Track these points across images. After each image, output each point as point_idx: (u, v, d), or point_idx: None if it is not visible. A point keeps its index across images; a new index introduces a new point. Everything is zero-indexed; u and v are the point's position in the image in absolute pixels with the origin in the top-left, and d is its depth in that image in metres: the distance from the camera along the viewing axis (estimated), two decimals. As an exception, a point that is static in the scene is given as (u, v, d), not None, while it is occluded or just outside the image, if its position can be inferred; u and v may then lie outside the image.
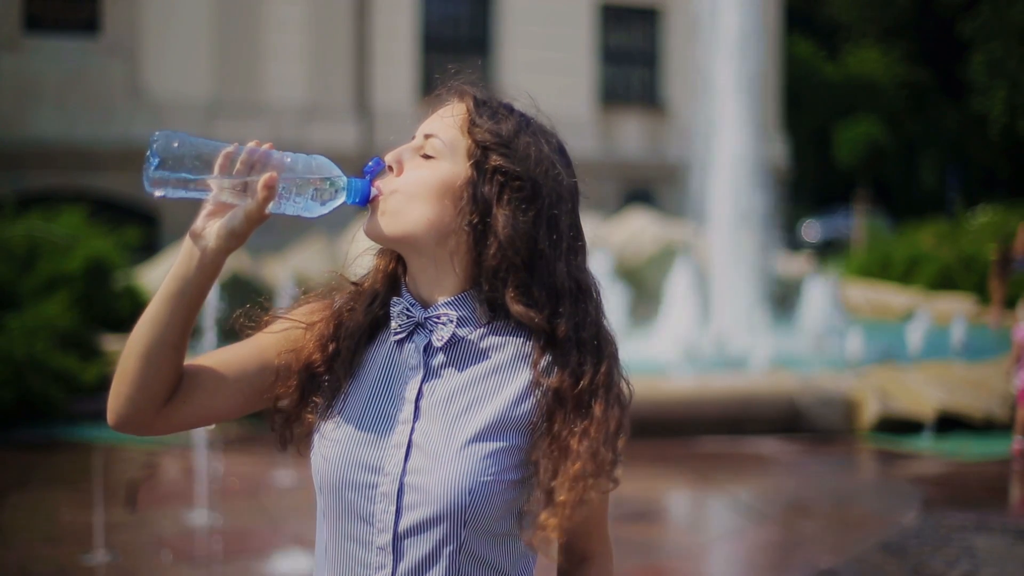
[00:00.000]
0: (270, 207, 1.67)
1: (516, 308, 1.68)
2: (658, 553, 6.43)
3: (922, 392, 9.55)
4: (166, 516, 6.94)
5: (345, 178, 1.71)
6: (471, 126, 1.72)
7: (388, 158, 1.73)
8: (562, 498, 1.63)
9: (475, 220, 1.68)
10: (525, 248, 1.68)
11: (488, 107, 1.74)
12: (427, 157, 1.72)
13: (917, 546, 6.35)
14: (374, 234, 1.73)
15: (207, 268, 1.67)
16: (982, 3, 32.44)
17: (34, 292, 10.19)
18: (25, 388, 9.05)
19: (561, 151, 1.77)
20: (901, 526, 6.81)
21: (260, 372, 1.77)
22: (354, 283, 1.85)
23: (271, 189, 1.64)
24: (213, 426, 6.90)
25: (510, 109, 1.77)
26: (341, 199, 1.71)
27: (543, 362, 1.68)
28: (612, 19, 22.94)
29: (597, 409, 1.66)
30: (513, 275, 1.68)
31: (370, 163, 1.72)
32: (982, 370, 10.43)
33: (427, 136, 1.73)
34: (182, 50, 19.15)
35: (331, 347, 1.78)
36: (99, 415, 8.53)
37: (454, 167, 1.70)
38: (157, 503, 7.34)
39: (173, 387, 1.70)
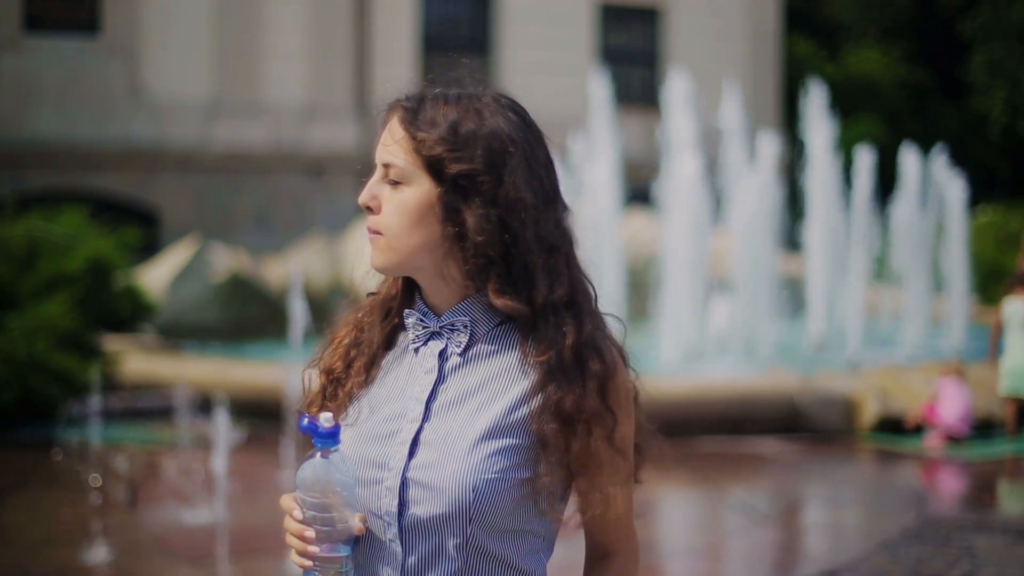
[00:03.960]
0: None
1: (499, 302, 1.71)
2: (658, 553, 6.43)
3: (922, 392, 9.55)
4: (166, 516, 6.94)
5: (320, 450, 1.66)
6: (415, 143, 1.72)
7: (364, 198, 1.76)
8: (587, 473, 1.69)
9: (453, 229, 1.71)
10: (499, 241, 1.70)
11: (420, 115, 1.73)
12: (396, 184, 1.74)
13: (917, 546, 6.35)
14: (381, 269, 1.78)
15: None
16: (982, 3, 32.41)
17: (34, 292, 10.19)
18: (26, 388, 9.05)
19: (513, 109, 1.77)
20: (901, 526, 6.81)
21: None
22: (371, 293, 1.89)
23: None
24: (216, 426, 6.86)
25: (445, 99, 1.75)
26: (335, 447, 1.67)
27: (529, 343, 1.71)
28: (612, 19, 22.93)
29: (592, 366, 1.69)
30: (493, 270, 1.70)
31: (304, 423, 1.66)
32: (981, 370, 10.43)
33: (386, 166, 1.75)
34: (182, 50, 19.14)
35: (351, 354, 1.84)
36: (99, 415, 8.46)
37: (420, 187, 1.72)
38: (157, 503, 7.34)
39: None
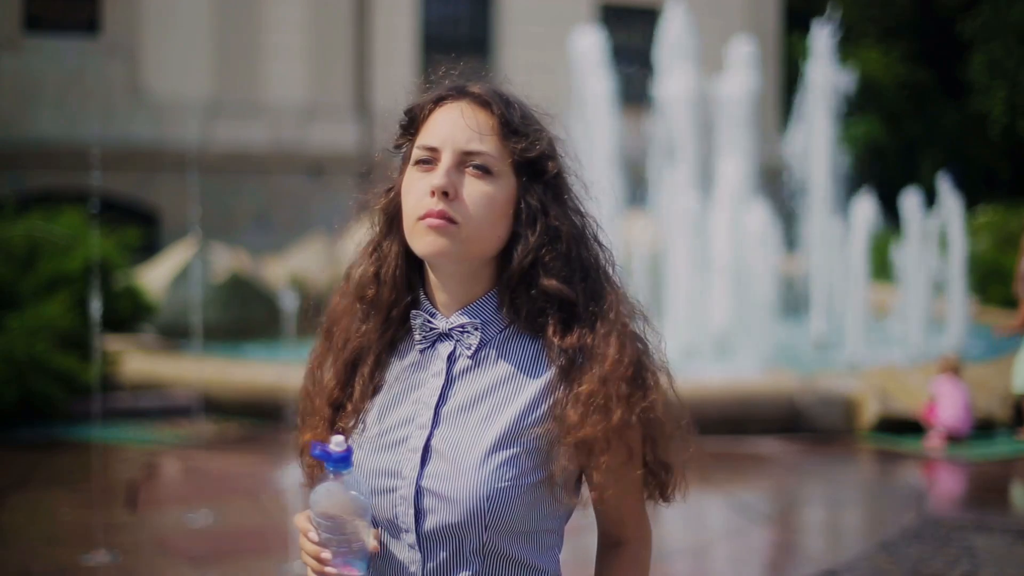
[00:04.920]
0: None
1: (551, 284, 1.71)
2: (658, 553, 6.42)
3: (922, 392, 9.55)
4: (166, 516, 6.94)
5: (336, 469, 1.67)
6: (512, 136, 1.72)
7: (440, 183, 1.69)
8: (596, 457, 1.69)
9: (540, 224, 1.72)
10: (571, 231, 1.74)
11: (512, 112, 1.74)
12: (484, 172, 1.70)
13: (917, 546, 6.35)
14: (444, 256, 1.71)
15: None
16: (982, 3, 32.40)
17: (35, 292, 10.18)
18: (26, 388, 9.05)
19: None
20: (901, 526, 6.80)
21: None
22: (361, 296, 1.83)
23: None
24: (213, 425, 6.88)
25: (518, 101, 1.77)
26: (348, 470, 1.67)
27: (559, 328, 1.72)
28: (612, 19, 22.93)
29: (611, 349, 1.70)
30: (560, 261, 1.72)
31: (316, 451, 1.65)
32: (982, 370, 10.42)
33: (469, 153, 1.71)
34: (182, 50, 19.14)
35: (350, 370, 1.81)
36: (99, 415, 8.46)
37: (508, 182, 1.72)
38: (157, 503, 7.34)
39: None
